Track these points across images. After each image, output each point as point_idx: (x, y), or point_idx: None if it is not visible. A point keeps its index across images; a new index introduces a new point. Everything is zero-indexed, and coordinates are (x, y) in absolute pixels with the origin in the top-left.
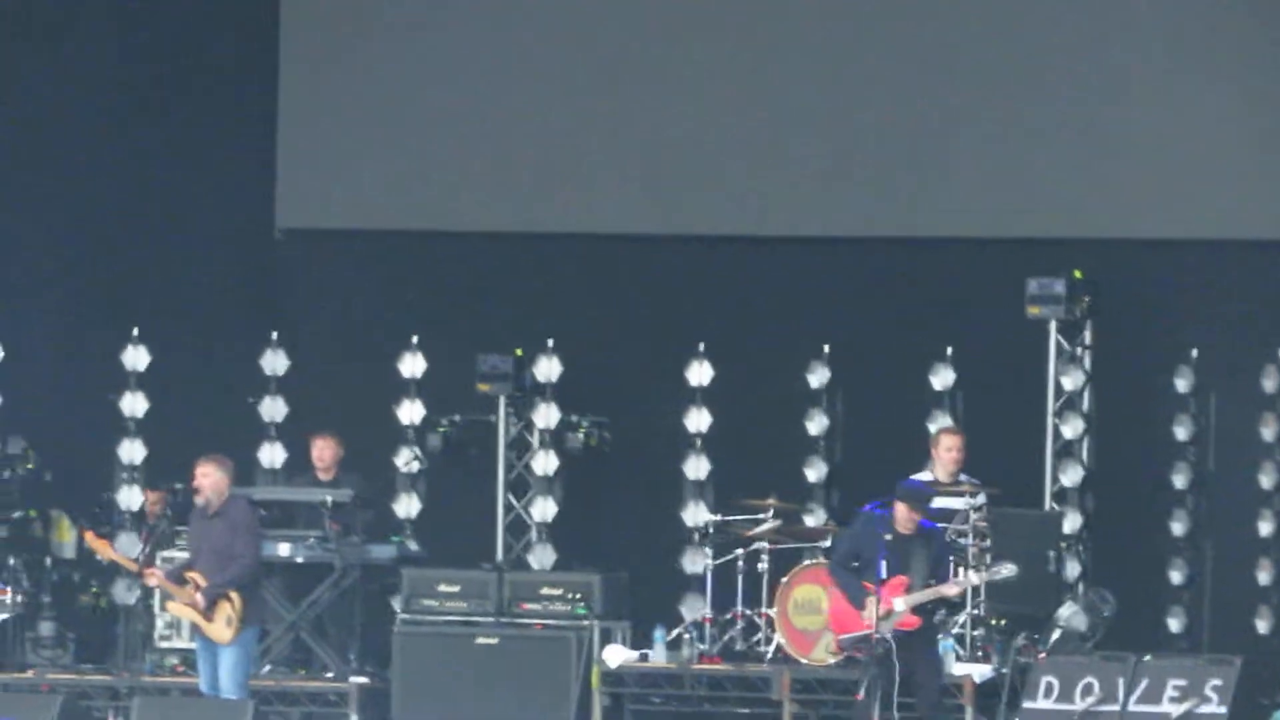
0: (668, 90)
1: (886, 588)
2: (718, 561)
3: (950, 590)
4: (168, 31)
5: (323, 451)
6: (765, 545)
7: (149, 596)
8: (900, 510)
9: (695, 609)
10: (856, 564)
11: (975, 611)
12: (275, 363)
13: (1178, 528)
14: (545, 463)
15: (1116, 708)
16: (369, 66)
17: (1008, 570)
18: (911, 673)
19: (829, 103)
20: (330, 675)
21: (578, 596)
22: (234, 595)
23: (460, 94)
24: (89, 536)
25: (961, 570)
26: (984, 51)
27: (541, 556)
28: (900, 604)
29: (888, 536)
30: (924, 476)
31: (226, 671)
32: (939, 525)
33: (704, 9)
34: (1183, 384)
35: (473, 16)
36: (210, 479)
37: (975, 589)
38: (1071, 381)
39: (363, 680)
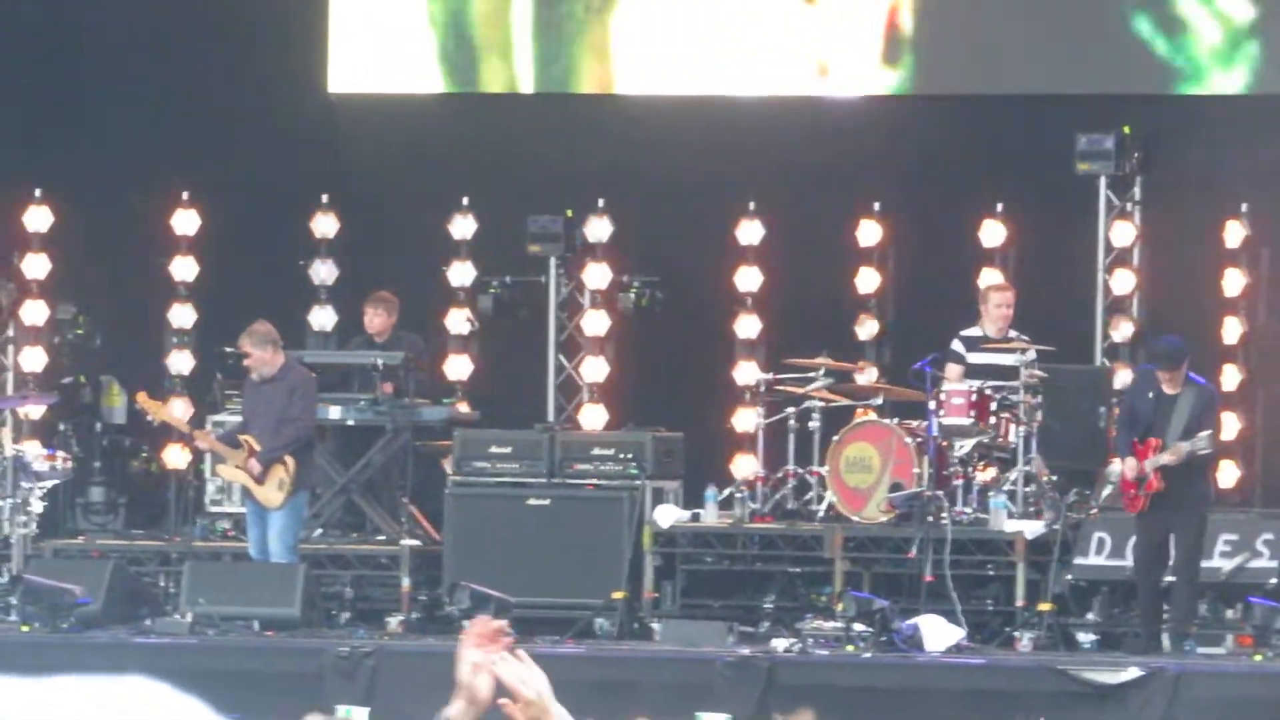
0: None
1: (1143, 449)
2: (769, 420)
3: (1166, 459)
4: None
5: (373, 318)
6: (817, 403)
7: (200, 461)
8: (1160, 372)
9: (747, 468)
10: (1135, 422)
11: (1026, 468)
12: (325, 226)
13: (1228, 382)
14: (596, 323)
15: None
16: None
17: (1203, 442)
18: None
19: None
20: (382, 538)
21: (629, 457)
22: (287, 459)
23: None
24: (142, 397)
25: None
26: None
27: (593, 417)
28: (1146, 466)
29: (1150, 395)
30: (974, 332)
31: (276, 535)
32: (1205, 383)
33: None
34: (1232, 238)
35: None
36: (254, 356)
37: (1025, 444)
38: (1121, 237)
39: (414, 542)
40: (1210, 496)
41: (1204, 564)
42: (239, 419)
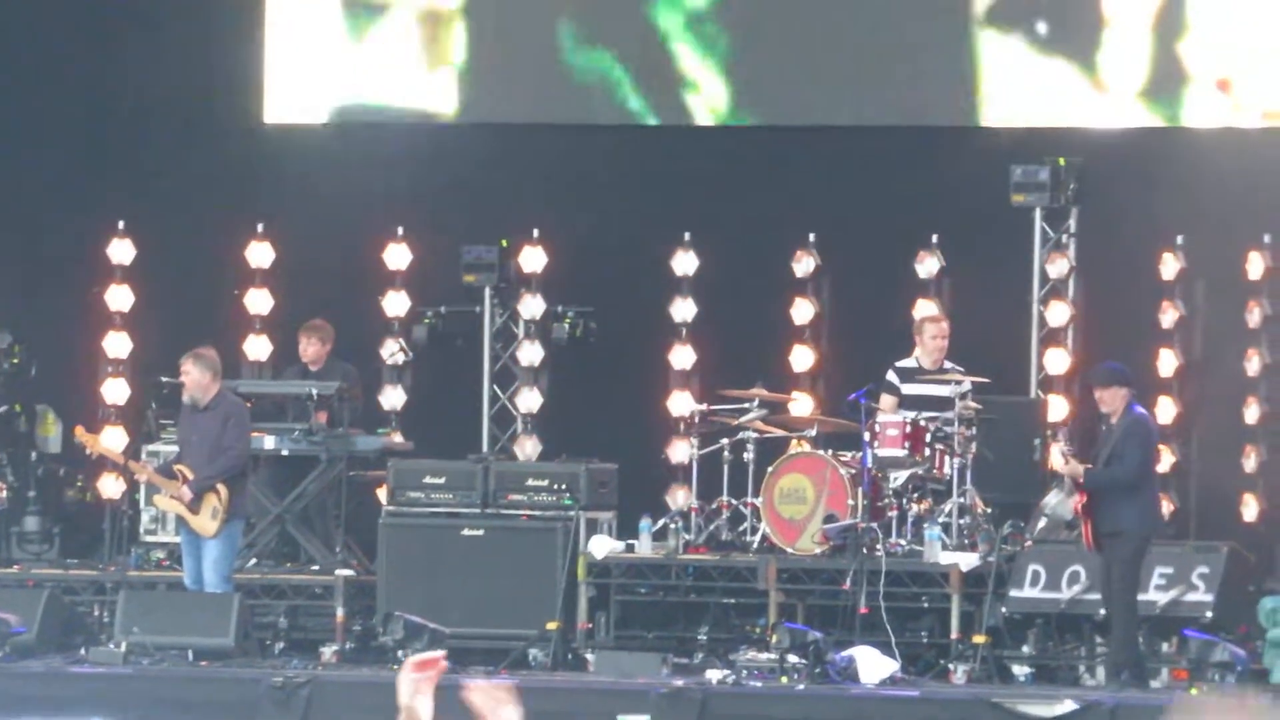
0: None
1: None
2: (704, 451)
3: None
4: None
5: (306, 347)
6: (751, 434)
7: (135, 490)
8: (1096, 391)
9: (681, 499)
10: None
11: (961, 500)
12: (260, 255)
13: (1163, 414)
14: (531, 353)
15: (1103, 595)
16: None
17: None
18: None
19: None
20: (316, 568)
21: (564, 487)
22: (220, 488)
23: None
24: (79, 431)
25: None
26: None
27: (527, 447)
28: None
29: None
30: (909, 363)
31: (211, 564)
32: (1140, 414)
33: None
34: (1168, 271)
35: None
36: (191, 377)
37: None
38: (1057, 269)
39: (349, 573)
40: (1140, 523)
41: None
42: (174, 448)
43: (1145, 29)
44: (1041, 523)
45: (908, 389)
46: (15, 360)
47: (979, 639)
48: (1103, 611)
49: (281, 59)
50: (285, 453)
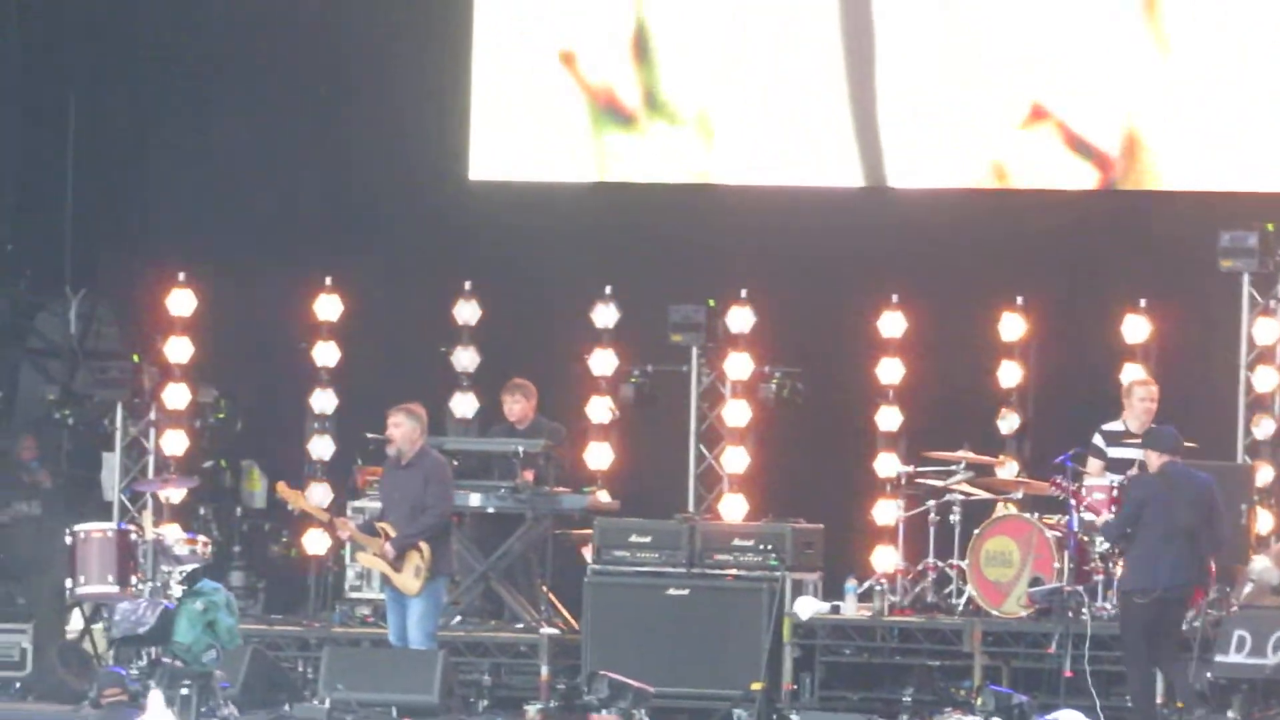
0: (874, 44)
1: None
2: (909, 513)
3: None
4: None
5: (511, 406)
6: (958, 497)
7: (340, 547)
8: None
9: (887, 561)
10: None
11: None
12: (468, 312)
13: None
14: (737, 413)
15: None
16: (558, 17)
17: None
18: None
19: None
20: (520, 626)
21: (769, 548)
22: (423, 545)
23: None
24: (281, 487)
25: None
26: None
27: (733, 507)
28: None
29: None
30: (1116, 427)
31: (415, 622)
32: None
33: None
34: None
35: None
36: (402, 429)
37: None
38: (1265, 334)
39: (553, 631)
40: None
41: (1257, 660)
42: (378, 505)
43: None
44: (1248, 588)
45: (1114, 452)
46: (221, 415)
47: (1181, 705)
48: None
49: (487, 115)
50: (491, 510)
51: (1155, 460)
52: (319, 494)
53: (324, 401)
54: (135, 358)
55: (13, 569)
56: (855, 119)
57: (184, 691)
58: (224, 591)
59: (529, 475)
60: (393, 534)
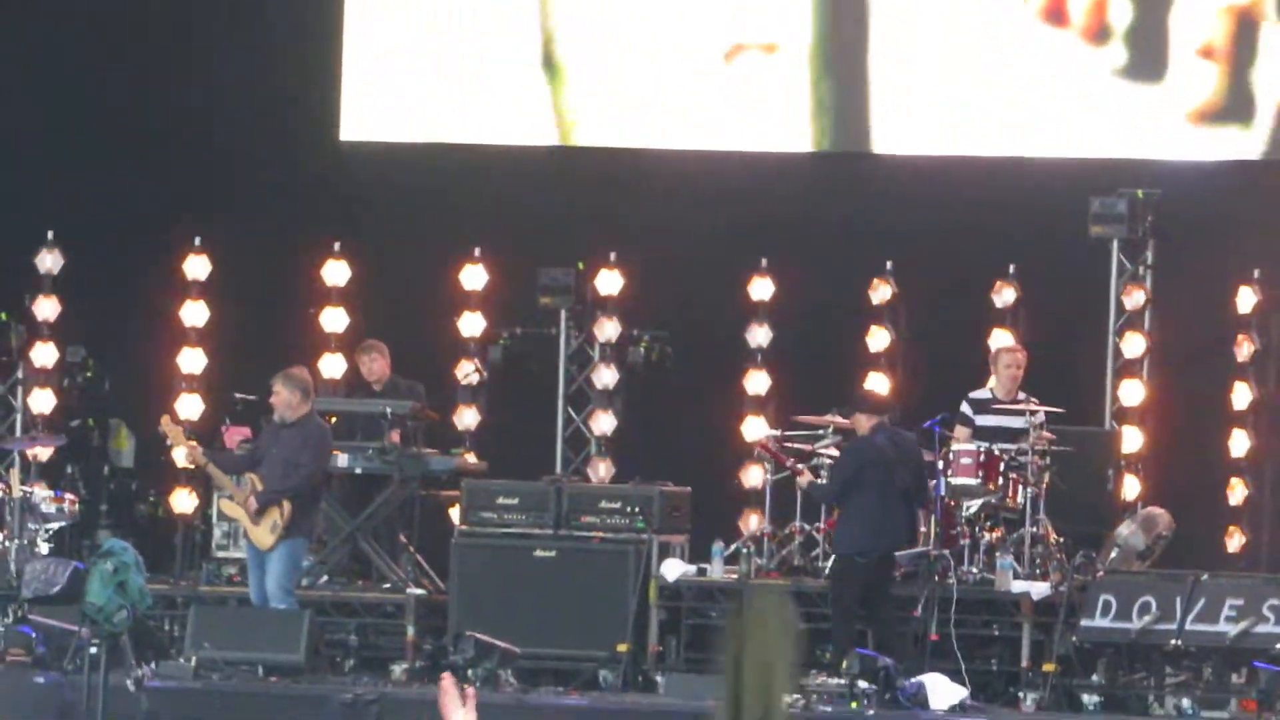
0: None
1: None
2: (777, 477)
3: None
4: None
5: (370, 366)
6: (825, 460)
7: (207, 506)
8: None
9: (754, 524)
10: None
11: (1034, 529)
12: (336, 273)
13: (1237, 448)
14: (606, 376)
15: (1174, 626)
16: None
17: None
18: None
19: (896, 19)
20: (387, 586)
21: (636, 510)
22: (285, 503)
23: (522, 8)
24: (166, 420)
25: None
26: None
27: (600, 470)
28: None
29: None
30: (983, 394)
31: (273, 578)
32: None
33: None
34: (1244, 303)
35: None
36: (280, 398)
37: (1033, 506)
38: (1133, 301)
39: (420, 591)
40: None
41: (1210, 628)
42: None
43: (1223, 58)
44: (1114, 553)
45: (982, 420)
46: (89, 374)
47: (1049, 667)
48: (1173, 642)
49: (358, 77)
50: (359, 471)
51: (865, 423)
52: (184, 454)
53: (192, 361)
54: (3, 316)
55: None
56: (708, 81)
57: (93, 651)
58: (132, 551)
59: (396, 436)
60: (259, 487)
